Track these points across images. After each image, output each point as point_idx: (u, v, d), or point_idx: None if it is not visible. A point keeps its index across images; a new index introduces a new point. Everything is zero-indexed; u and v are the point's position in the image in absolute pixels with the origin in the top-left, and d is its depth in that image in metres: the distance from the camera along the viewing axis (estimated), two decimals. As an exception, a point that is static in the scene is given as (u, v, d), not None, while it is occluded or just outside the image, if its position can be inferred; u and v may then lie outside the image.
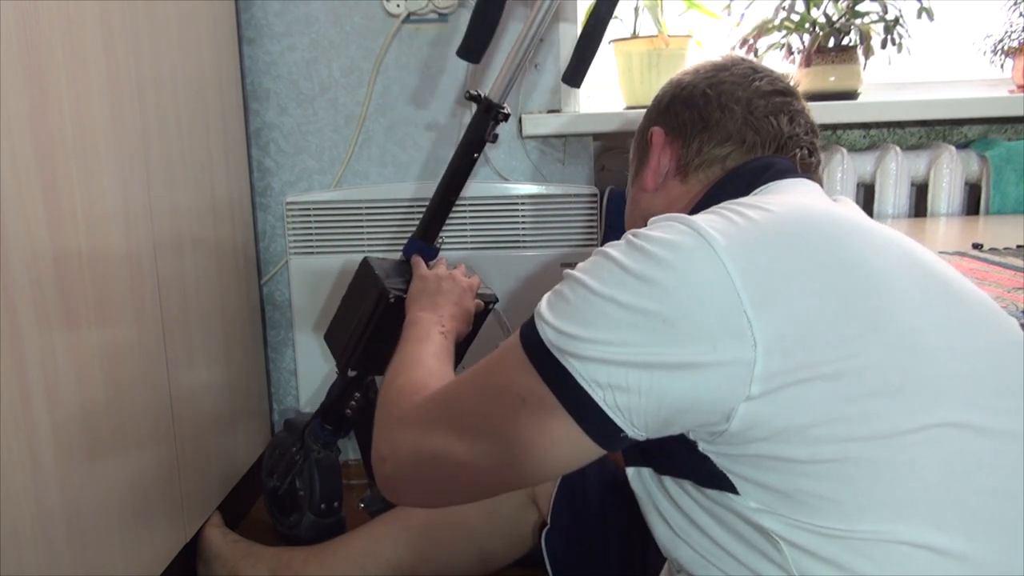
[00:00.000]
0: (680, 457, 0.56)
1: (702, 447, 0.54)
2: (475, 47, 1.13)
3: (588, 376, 0.51)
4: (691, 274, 0.50)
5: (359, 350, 1.11)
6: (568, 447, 0.54)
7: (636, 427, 0.52)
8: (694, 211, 0.65)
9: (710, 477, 0.54)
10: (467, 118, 1.44)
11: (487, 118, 1.09)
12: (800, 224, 0.54)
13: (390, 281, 1.07)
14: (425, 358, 0.82)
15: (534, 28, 1.08)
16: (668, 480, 0.61)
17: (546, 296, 0.57)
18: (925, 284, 0.54)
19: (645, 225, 0.74)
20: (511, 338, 0.58)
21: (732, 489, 0.53)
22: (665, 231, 0.53)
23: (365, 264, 1.13)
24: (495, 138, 1.11)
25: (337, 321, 1.18)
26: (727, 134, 0.70)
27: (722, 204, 0.57)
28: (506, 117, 1.10)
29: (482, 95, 1.09)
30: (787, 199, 0.58)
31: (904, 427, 0.49)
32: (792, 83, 0.75)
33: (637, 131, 0.81)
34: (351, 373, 1.18)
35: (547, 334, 0.54)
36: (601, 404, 0.51)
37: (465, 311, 0.99)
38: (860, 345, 0.49)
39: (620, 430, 0.52)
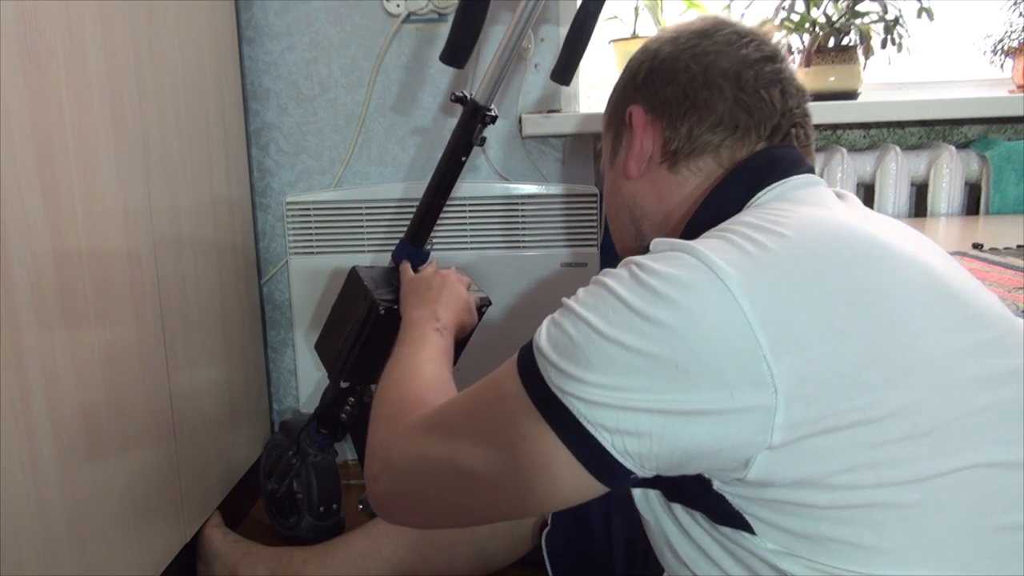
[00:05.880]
0: (692, 491, 0.54)
1: (716, 486, 0.51)
2: (459, 52, 1.08)
3: (594, 420, 0.48)
4: (704, 316, 0.46)
5: (350, 362, 1.10)
6: (572, 486, 0.51)
7: (647, 469, 0.49)
8: (694, 220, 0.62)
9: (724, 515, 0.52)
10: (467, 118, 1.44)
11: (473, 121, 1.06)
12: (817, 253, 0.50)
13: (379, 292, 1.05)
14: (421, 364, 0.79)
15: (519, 29, 1.05)
16: (678, 508, 0.58)
17: (544, 327, 0.54)
18: (947, 309, 0.52)
19: (630, 215, 0.69)
20: (508, 367, 0.55)
21: (748, 529, 0.51)
22: (672, 265, 0.49)
23: (353, 274, 1.11)
24: (482, 141, 1.08)
25: (327, 332, 1.17)
26: (717, 117, 0.64)
27: (729, 226, 0.53)
28: (493, 119, 1.07)
29: (468, 96, 1.06)
30: (799, 215, 0.54)
31: (933, 471, 0.47)
32: (776, 41, 0.68)
33: (609, 104, 0.73)
34: (343, 384, 1.17)
35: (549, 373, 0.50)
36: (609, 449, 0.48)
37: (460, 300, 0.96)
38: (887, 390, 0.47)
39: (629, 472, 0.49)
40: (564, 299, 0.54)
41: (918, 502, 0.46)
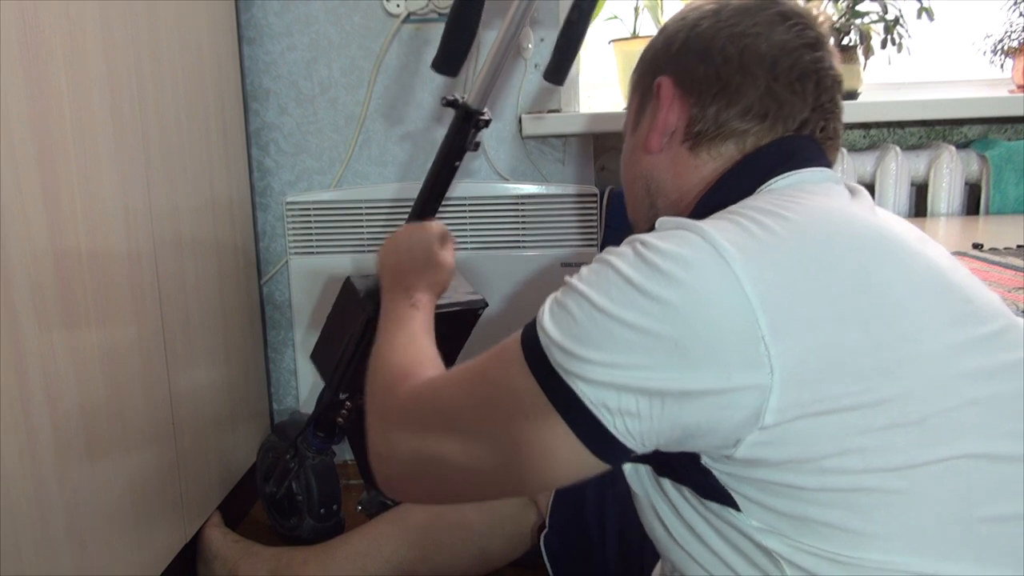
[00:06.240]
0: (681, 466, 0.54)
1: (704, 461, 0.52)
2: (451, 59, 1.05)
3: (597, 400, 0.49)
4: (706, 295, 0.47)
5: (348, 373, 1.10)
6: (573, 464, 0.52)
7: (647, 446, 0.50)
8: (704, 201, 0.62)
9: (711, 490, 0.53)
10: (467, 118, 1.43)
11: (467, 126, 1.02)
12: (822, 239, 0.51)
13: (375, 303, 1.04)
14: (403, 343, 0.77)
15: (511, 32, 1.01)
16: (667, 483, 0.59)
17: (548, 305, 0.54)
18: (949, 303, 0.52)
19: (646, 188, 0.69)
20: (511, 345, 0.55)
21: (734, 506, 0.51)
22: (676, 243, 0.49)
23: (348, 285, 1.10)
24: (476, 146, 1.05)
25: (323, 342, 1.17)
26: (748, 105, 0.62)
27: (738, 209, 0.54)
28: (487, 123, 1.04)
29: (459, 100, 1.03)
30: (809, 203, 0.54)
31: (922, 459, 0.47)
32: (821, 22, 0.66)
33: (639, 68, 0.71)
34: (342, 396, 1.17)
35: (552, 353, 0.51)
36: (611, 429, 0.49)
37: (429, 263, 0.91)
38: (882, 378, 0.47)
39: (629, 451, 0.50)
40: (567, 277, 0.54)
41: (904, 489, 0.47)
